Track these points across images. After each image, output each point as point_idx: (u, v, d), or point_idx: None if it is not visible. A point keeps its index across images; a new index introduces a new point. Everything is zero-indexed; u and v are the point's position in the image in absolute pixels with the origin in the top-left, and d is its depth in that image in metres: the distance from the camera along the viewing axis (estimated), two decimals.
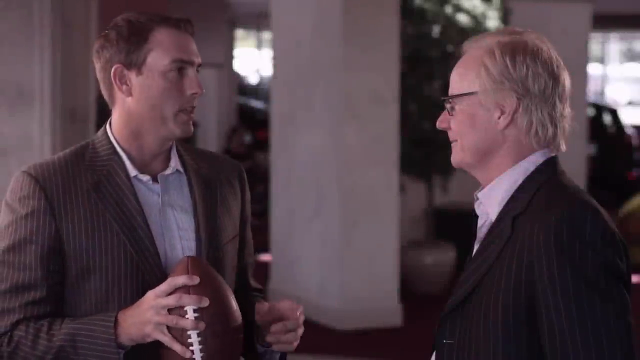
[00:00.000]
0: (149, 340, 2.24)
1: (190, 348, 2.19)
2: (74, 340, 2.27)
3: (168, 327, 2.22)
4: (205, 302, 2.20)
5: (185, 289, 2.22)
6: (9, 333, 2.31)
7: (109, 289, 2.33)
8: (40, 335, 2.29)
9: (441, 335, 2.13)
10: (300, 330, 2.43)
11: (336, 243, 7.89)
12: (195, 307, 2.20)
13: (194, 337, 2.19)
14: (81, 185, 2.37)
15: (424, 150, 8.78)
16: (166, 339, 2.21)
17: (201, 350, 2.19)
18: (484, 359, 2.03)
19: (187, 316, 2.20)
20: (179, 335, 2.21)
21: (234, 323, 2.26)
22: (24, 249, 2.33)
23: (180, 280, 2.23)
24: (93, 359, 2.26)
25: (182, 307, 2.21)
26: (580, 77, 11.61)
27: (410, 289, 8.81)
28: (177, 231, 2.41)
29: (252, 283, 2.65)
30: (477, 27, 8.81)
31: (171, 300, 2.21)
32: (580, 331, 1.93)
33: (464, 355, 2.07)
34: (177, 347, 2.20)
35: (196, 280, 2.22)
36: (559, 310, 1.94)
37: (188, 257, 2.29)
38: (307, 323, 8.59)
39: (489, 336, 2.02)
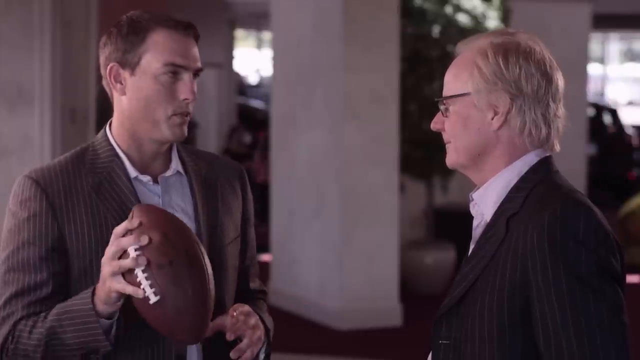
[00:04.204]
0: (113, 295, 2.22)
1: (141, 287, 2.19)
2: (60, 319, 2.27)
3: (124, 277, 2.20)
4: (144, 240, 2.19)
5: (129, 233, 2.22)
6: (12, 331, 2.32)
7: None
8: (37, 325, 2.30)
9: (437, 335, 2.13)
10: (255, 348, 2.40)
11: (336, 243, 7.89)
12: (136, 247, 2.20)
13: (140, 275, 2.18)
14: (82, 187, 2.38)
15: (424, 150, 8.78)
16: (120, 285, 2.20)
17: (151, 286, 2.18)
18: (479, 359, 2.03)
19: (130, 257, 2.20)
20: (132, 279, 2.20)
21: (184, 251, 2.22)
22: (28, 251, 2.34)
23: (120, 228, 2.22)
24: (78, 334, 2.26)
25: (126, 252, 2.20)
26: (580, 77, 11.62)
27: (410, 289, 8.81)
28: None
29: (254, 284, 2.64)
30: (477, 27, 8.81)
31: (113, 247, 2.21)
32: (574, 331, 1.93)
33: (460, 355, 2.07)
34: (129, 289, 2.19)
35: (135, 222, 2.21)
36: (553, 310, 1.95)
37: (134, 206, 2.29)
38: (307, 323, 8.56)
39: (485, 336, 2.02)
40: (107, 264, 2.21)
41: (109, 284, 2.21)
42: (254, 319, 2.41)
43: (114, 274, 2.20)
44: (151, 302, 2.19)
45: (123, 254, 2.20)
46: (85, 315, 2.25)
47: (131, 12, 2.42)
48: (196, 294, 2.21)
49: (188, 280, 2.20)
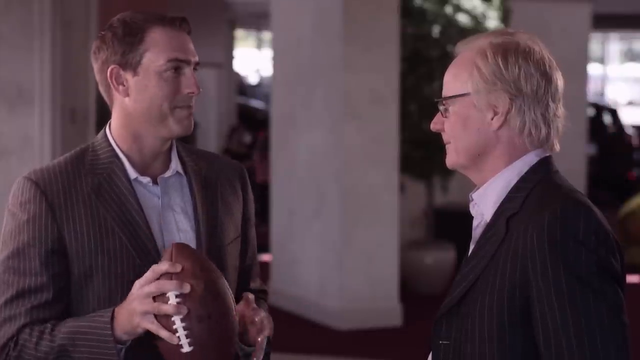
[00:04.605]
0: (139, 330, 2.23)
1: (177, 334, 2.19)
2: (74, 339, 2.27)
3: (155, 316, 2.21)
4: (187, 288, 2.19)
5: (168, 275, 2.22)
6: (14, 338, 2.31)
7: (111, 290, 2.33)
8: (44, 337, 2.29)
9: (437, 336, 2.13)
10: (266, 331, 2.41)
11: (336, 243, 7.89)
12: (177, 293, 2.19)
13: (178, 323, 2.18)
14: (82, 189, 2.37)
15: (424, 150, 8.78)
16: (153, 327, 2.20)
17: (187, 336, 2.18)
18: (479, 359, 2.03)
19: (169, 302, 2.20)
20: (166, 322, 2.20)
21: (221, 307, 2.23)
22: (28, 253, 2.33)
23: (163, 267, 2.22)
24: (93, 356, 2.26)
25: (165, 294, 2.20)
26: (580, 77, 11.62)
27: (410, 289, 8.81)
28: (177, 233, 2.41)
29: (254, 284, 2.64)
30: (477, 27, 8.81)
31: (152, 288, 2.21)
32: (574, 330, 1.93)
33: (460, 355, 2.07)
34: (164, 333, 2.20)
35: (178, 267, 2.21)
36: (553, 310, 1.95)
37: (174, 244, 2.29)
38: (307, 323, 8.55)
39: (485, 336, 2.02)
40: (140, 302, 2.21)
41: (139, 320, 2.21)
42: (262, 313, 2.42)
43: (146, 313, 2.21)
44: (183, 351, 2.20)
45: (160, 295, 2.21)
46: (103, 340, 2.25)
47: (120, 14, 2.42)
48: (226, 347, 2.24)
49: (220, 333, 2.22)
